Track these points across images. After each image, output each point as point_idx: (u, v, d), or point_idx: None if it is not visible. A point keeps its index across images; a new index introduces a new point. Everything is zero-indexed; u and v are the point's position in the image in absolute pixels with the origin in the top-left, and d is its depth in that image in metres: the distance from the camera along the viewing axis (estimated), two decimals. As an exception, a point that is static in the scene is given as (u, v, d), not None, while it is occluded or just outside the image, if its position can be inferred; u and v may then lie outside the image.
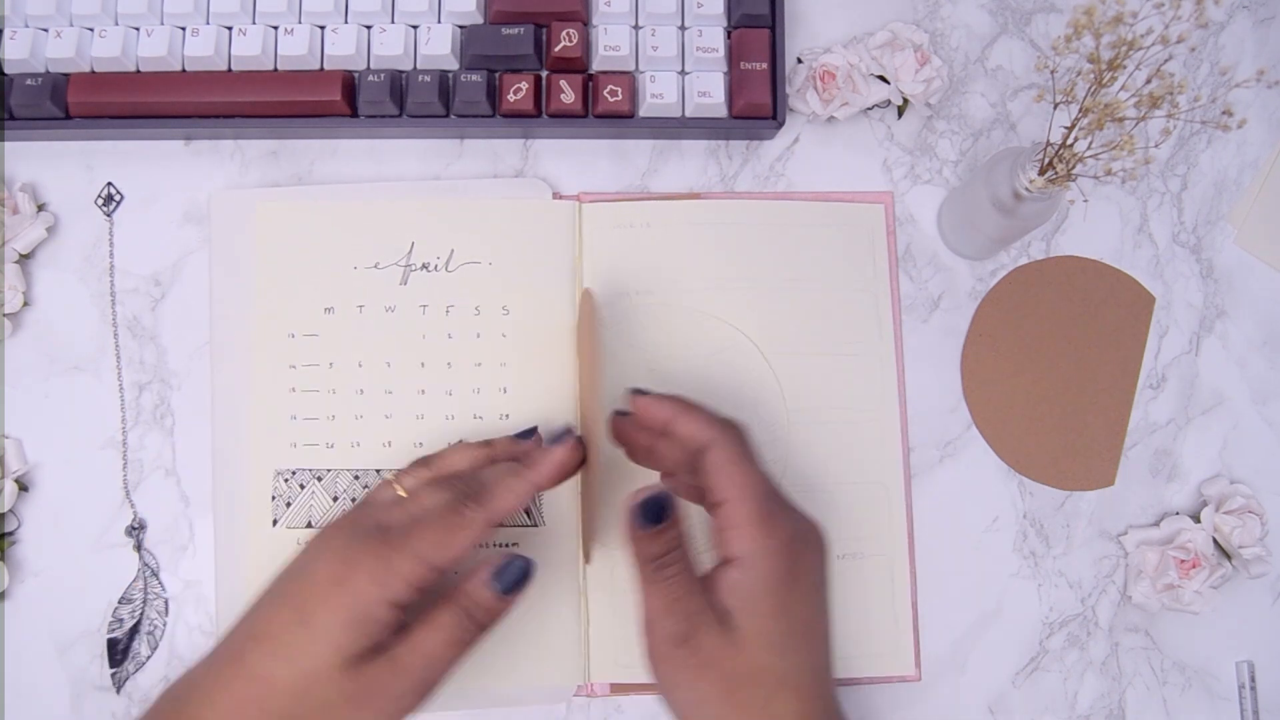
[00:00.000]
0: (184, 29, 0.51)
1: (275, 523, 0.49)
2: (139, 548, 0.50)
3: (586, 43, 0.52)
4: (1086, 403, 0.53)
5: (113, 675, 0.49)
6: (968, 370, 0.53)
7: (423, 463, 0.44)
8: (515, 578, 0.40)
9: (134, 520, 0.50)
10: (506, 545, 0.50)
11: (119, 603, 0.49)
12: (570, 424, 0.41)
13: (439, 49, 0.51)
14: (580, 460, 0.42)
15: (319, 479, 0.50)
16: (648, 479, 0.48)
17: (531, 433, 0.46)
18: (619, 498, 0.44)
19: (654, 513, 0.38)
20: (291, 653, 0.36)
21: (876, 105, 0.55)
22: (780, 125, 0.53)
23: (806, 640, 0.38)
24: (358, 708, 0.36)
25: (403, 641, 0.37)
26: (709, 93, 0.52)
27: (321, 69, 0.51)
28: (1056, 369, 0.53)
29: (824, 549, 0.40)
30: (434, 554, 0.37)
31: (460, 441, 0.46)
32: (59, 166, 0.53)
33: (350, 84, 0.51)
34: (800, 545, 0.39)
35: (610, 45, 0.51)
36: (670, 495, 0.39)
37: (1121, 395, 0.53)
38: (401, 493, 0.41)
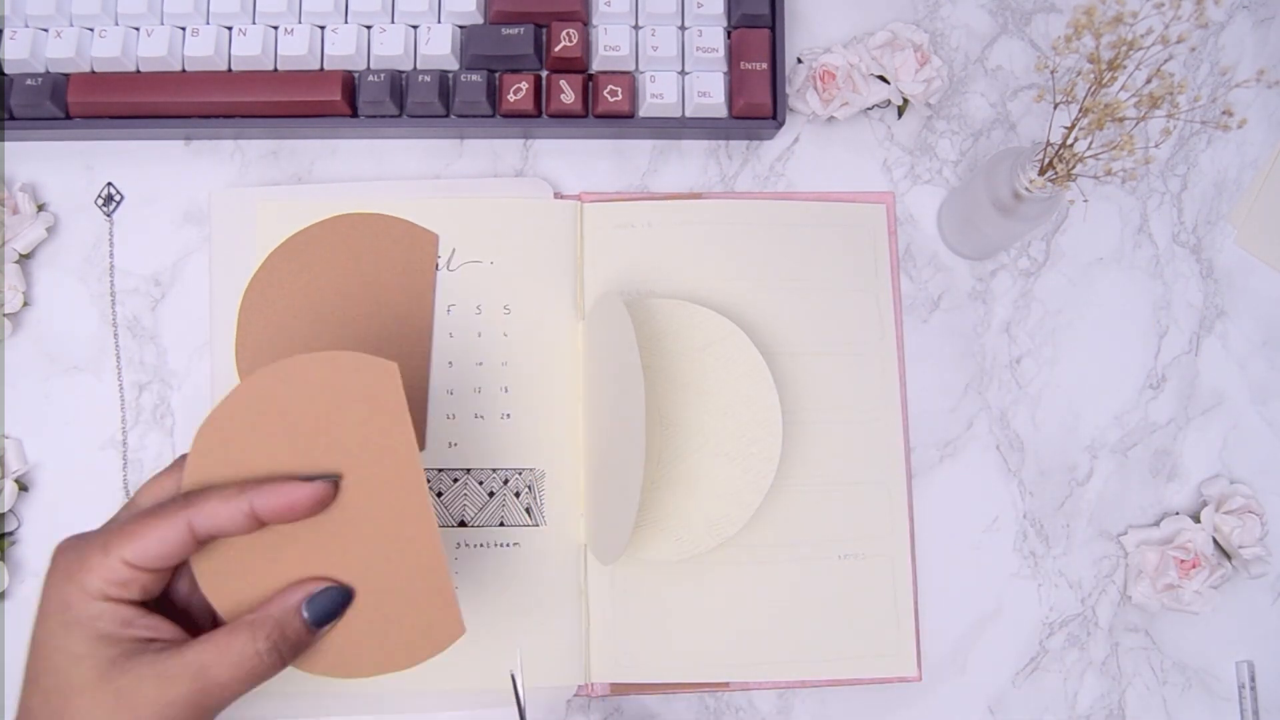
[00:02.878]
0: (184, 29, 0.51)
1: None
2: (139, 548, 0.50)
3: (586, 43, 0.52)
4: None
5: (113, 675, 0.49)
6: (246, 370, 0.50)
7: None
8: (331, 609, 0.36)
9: (134, 520, 0.50)
10: (509, 545, 0.50)
11: (119, 603, 0.49)
12: (337, 477, 0.36)
13: (439, 49, 0.51)
14: (319, 506, 0.36)
15: (319, 479, 0.50)
16: (652, 478, 0.49)
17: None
18: (620, 498, 0.45)
19: (332, 611, 0.36)
20: (33, 680, 0.34)
21: (876, 105, 0.55)
22: (780, 125, 0.53)
23: None
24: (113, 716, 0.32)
25: (174, 651, 0.33)
26: (709, 93, 0.52)
27: (321, 69, 0.51)
28: (347, 338, 0.50)
29: None
30: (123, 545, 0.34)
31: None
32: (59, 166, 0.53)
33: (350, 84, 0.51)
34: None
35: (610, 45, 0.51)
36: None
37: (417, 356, 0.50)
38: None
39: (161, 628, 0.35)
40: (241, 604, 0.36)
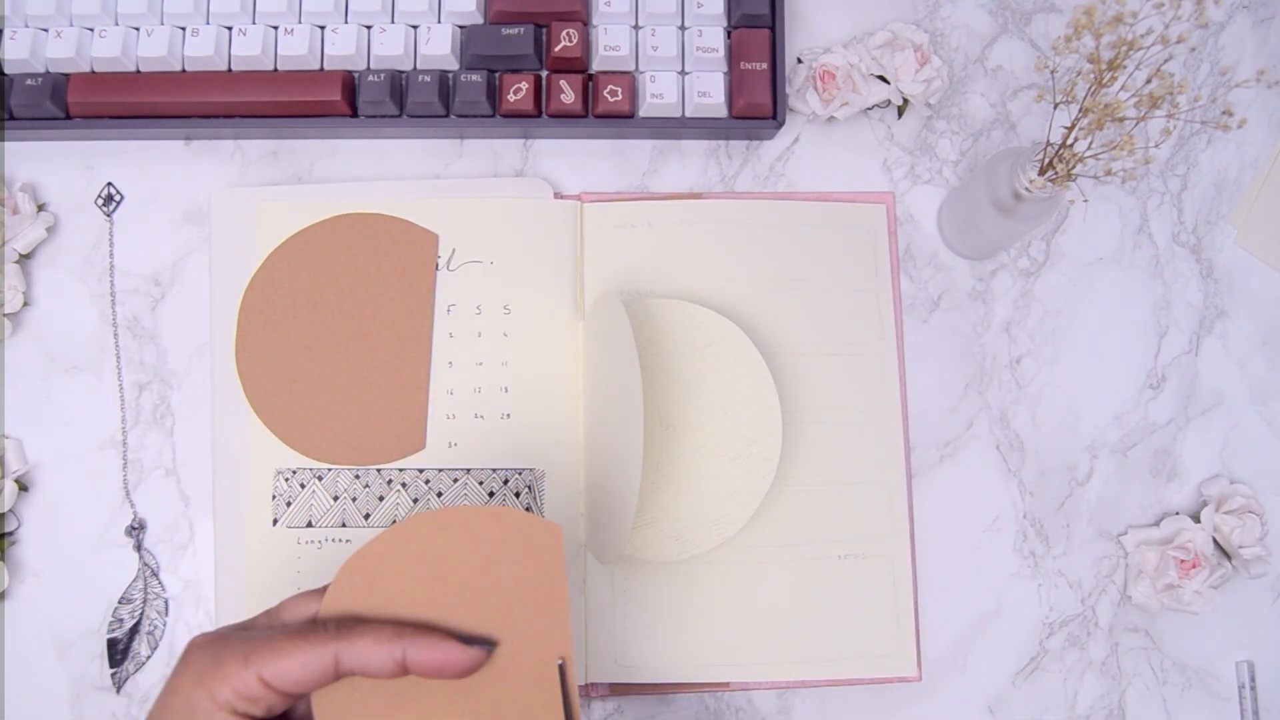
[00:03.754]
0: (184, 29, 0.51)
1: (275, 522, 0.49)
2: (139, 548, 0.50)
3: (586, 43, 0.52)
4: (383, 374, 0.50)
5: (113, 675, 0.49)
6: (245, 370, 0.50)
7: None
8: None
9: (134, 520, 0.50)
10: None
11: (119, 603, 0.49)
12: (493, 644, 0.35)
13: (439, 49, 0.51)
14: (470, 672, 0.34)
15: (319, 478, 0.50)
16: (651, 478, 0.49)
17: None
18: (620, 498, 0.45)
19: None
20: None
21: (876, 105, 0.55)
22: (780, 125, 0.53)
23: None
24: None
25: None
26: (709, 93, 0.52)
27: (321, 69, 0.51)
28: (347, 337, 0.50)
29: None
30: (264, 662, 0.32)
31: None
32: (59, 166, 0.53)
33: (350, 84, 0.51)
34: None
35: (610, 45, 0.51)
36: None
37: (417, 355, 0.50)
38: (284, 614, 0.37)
39: None
40: None
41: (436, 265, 0.51)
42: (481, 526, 0.35)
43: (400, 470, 0.50)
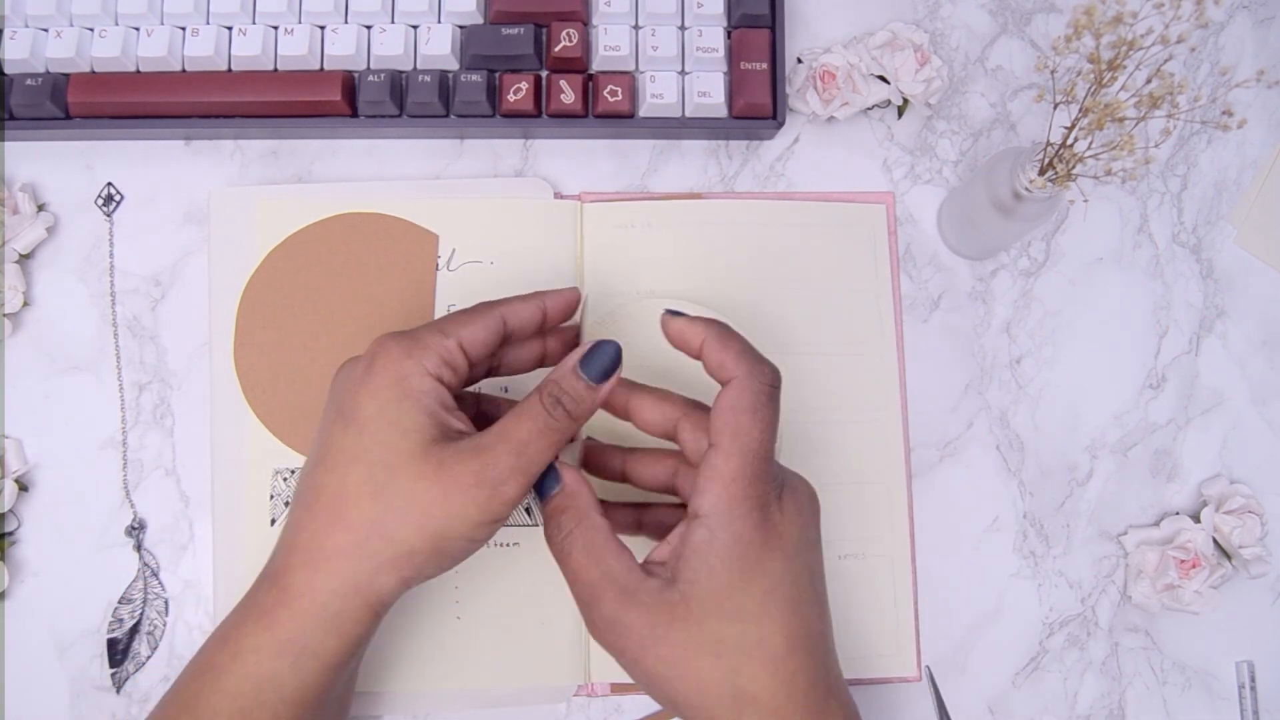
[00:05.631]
0: (184, 29, 0.51)
1: (274, 522, 0.49)
2: (139, 548, 0.50)
3: (586, 43, 0.52)
4: None
5: (113, 675, 0.49)
6: (243, 370, 0.50)
7: None
8: (604, 364, 0.38)
9: (134, 520, 0.50)
10: (507, 545, 0.50)
11: (119, 603, 0.49)
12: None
13: (439, 49, 0.51)
14: (574, 307, 0.43)
15: (319, 479, 0.50)
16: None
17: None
18: (619, 495, 0.44)
19: (605, 367, 0.39)
20: (358, 453, 0.36)
21: (876, 105, 0.55)
22: (780, 125, 0.53)
23: (781, 607, 0.35)
24: (445, 494, 0.35)
25: (485, 432, 0.37)
26: (709, 93, 0.52)
27: (321, 69, 0.51)
28: (346, 337, 0.50)
29: (813, 509, 0.38)
30: (458, 329, 0.38)
31: None
32: (59, 166, 0.53)
33: (350, 84, 0.51)
34: (779, 506, 0.36)
35: (610, 45, 0.51)
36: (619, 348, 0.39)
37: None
38: None
39: (465, 421, 0.39)
40: None
41: (436, 266, 0.51)
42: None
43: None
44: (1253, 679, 0.52)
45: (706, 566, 0.35)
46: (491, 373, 0.43)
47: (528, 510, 0.50)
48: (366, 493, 0.36)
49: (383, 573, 0.36)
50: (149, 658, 0.49)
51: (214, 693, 0.36)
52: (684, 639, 0.34)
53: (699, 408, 0.40)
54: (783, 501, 0.36)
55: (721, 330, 0.38)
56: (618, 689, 0.49)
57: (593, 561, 0.36)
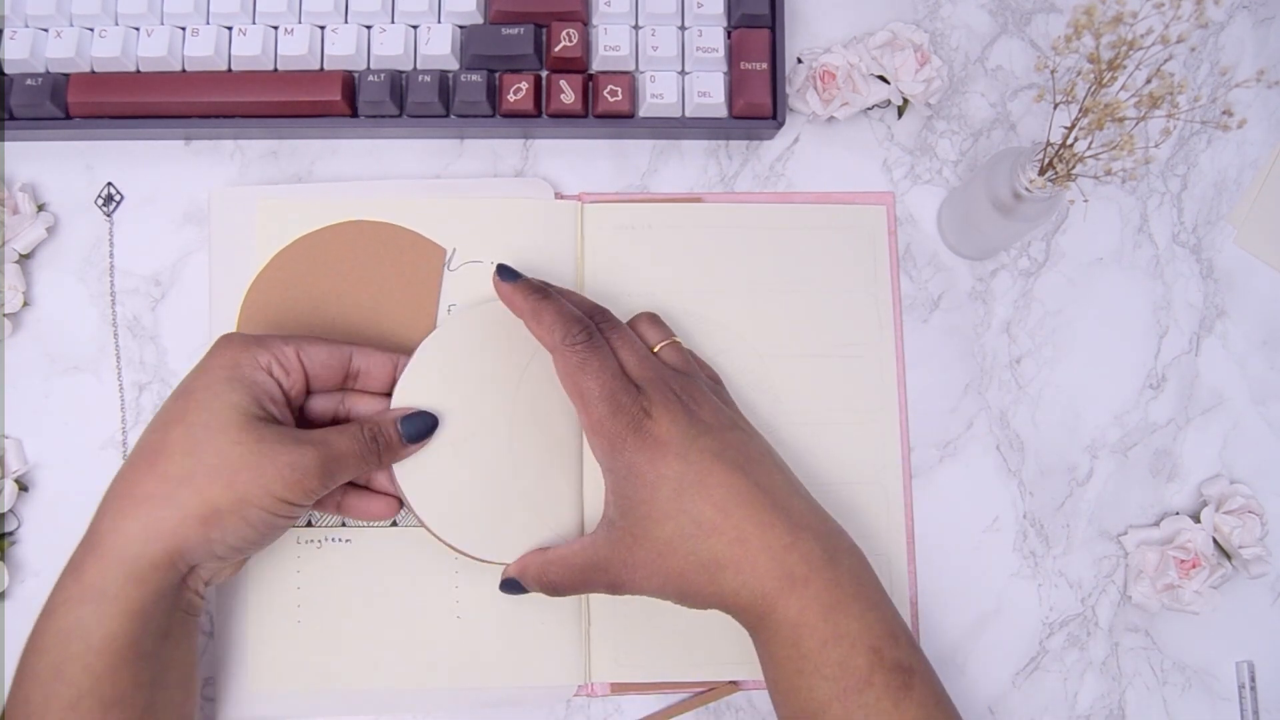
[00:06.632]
0: (184, 29, 0.51)
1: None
2: (139, 548, 0.50)
3: (586, 43, 0.52)
4: None
5: (113, 675, 0.49)
6: None
7: None
8: (420, 430, 0.44)
9: (134, 520, 0.50)
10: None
11: (119, 603, 0.49)
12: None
13: (439, 49, 0.51)
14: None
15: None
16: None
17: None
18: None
19: (421, 432, 0.45)
20: (180, 416, 0.40)
21: (876, 105, 0.55)
22: (780, 125, 0.53)
23: (696, 491, 0.40)
24: (258, 462, 0.39)
25: (307, 431, 0.42)
26: (709, 93, 0.52)
27: (321, 69, 0.51)
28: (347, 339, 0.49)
29: (690, 406, 0.43)
30: (299, 342, 0.43)
31: None
32: (59, 166, 0.53)
33: (350, 84, 0.51)
34: (651, 421, 0.41)
35: (610, 45, 0.51)
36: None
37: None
38: None
39: (288, 419, 0.43)
40: None
41: (442, 278, 0.51)
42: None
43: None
44: (1253, 679, 0.52)
45: (623, 498, 0.41)
46: (336, 419, 0.46)
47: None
48: (182, 448, 0.39)
49: (188, 524, 0.38)
50: (149, 658, 0.49)
51: (30, 653, 0.38)
52: (644, 557, 0.41)
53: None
54: (654, 415, 0.41)
55: (536, 305, 0.44)
56: (618, 689, 0.49)
57: (570, 551, 0.44)
